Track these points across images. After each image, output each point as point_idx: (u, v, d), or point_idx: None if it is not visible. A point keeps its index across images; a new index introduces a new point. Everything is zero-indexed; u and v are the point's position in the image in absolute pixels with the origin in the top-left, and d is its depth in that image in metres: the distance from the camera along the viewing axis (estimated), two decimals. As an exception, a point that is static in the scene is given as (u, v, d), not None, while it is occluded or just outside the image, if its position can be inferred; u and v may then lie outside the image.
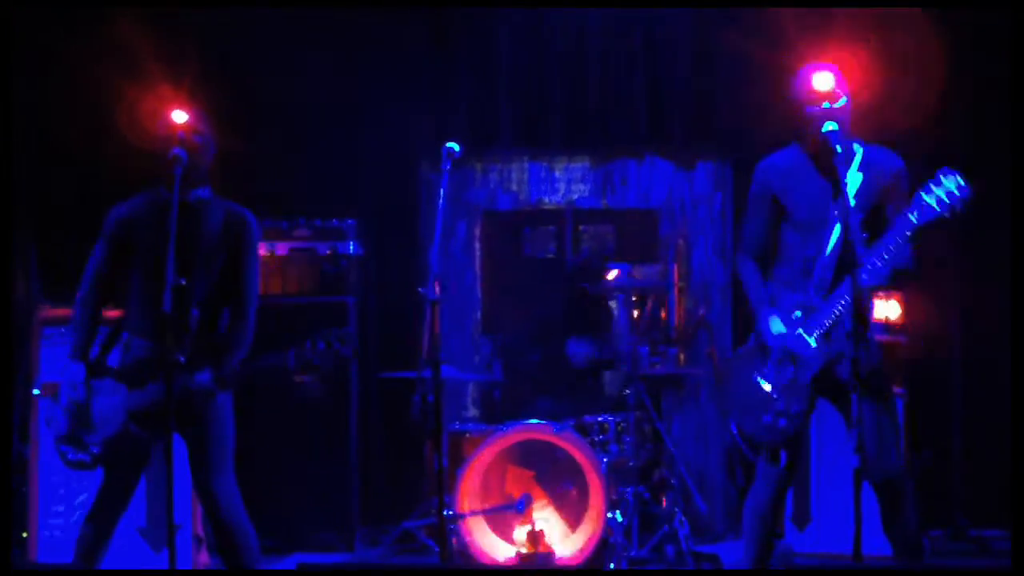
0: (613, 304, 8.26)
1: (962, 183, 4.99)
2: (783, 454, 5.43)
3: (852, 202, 5.07)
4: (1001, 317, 7.63)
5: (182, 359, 5.19)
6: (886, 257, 5.07)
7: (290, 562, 7.38)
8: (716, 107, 8.49)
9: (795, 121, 5.37)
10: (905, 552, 5.26)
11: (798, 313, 5.30)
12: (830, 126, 5.16)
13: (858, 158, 5.32)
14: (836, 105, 5.23)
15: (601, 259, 8.18)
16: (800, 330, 5.27)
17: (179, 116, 5.37)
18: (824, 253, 5.29)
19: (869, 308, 5.14)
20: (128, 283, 5.48)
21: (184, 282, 5.17)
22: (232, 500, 5.49)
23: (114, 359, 5.48)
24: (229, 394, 5.48)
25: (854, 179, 5.25)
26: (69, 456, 5.39)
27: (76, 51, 7.88)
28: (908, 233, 5.04)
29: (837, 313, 5.18)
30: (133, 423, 5.32)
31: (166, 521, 5.07)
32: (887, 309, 7.45)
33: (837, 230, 5.26)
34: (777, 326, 5.32)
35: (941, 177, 5.01)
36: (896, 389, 7.04)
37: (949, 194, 4.98)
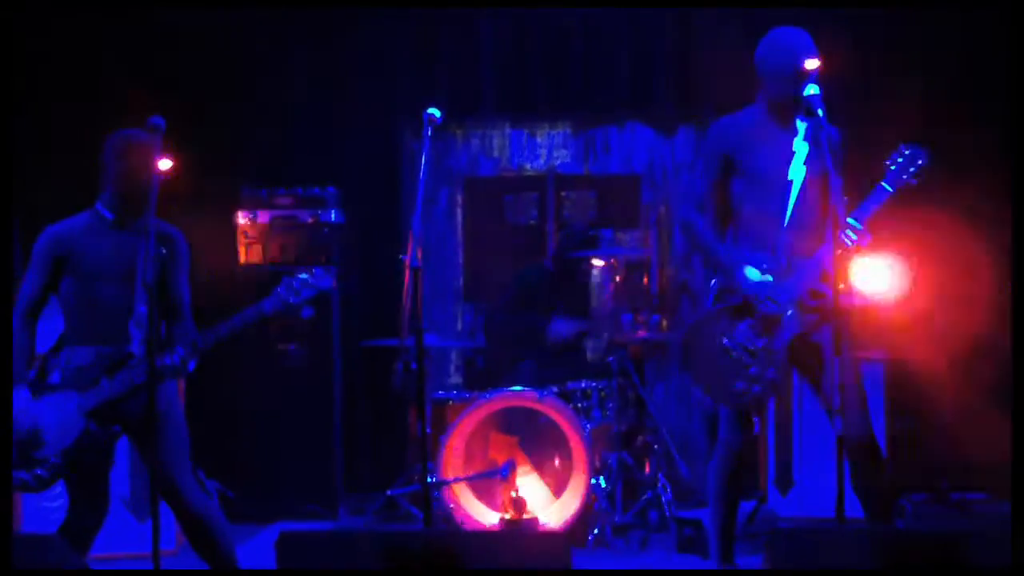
0: (596, 272, 8.25)
1: (923, 154, 5.24)
2: (756, 421, 5.44)
3: (804, 169, 5.29)
4: (985, 281, 7.66)
5: (138, 352, 5.30)
6: (859, 226, 5.15)
7: (273, 531, 7.39)
8: (698, 73, 8.47)
9: (761, 80, 5.41)
10: (875, 515, 5.29)
11: (769, 277, 5.30)
12: (812, 89, 5.16)
13: (803, 129, 5.36)
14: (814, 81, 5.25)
15: (589, 233, 8.14)
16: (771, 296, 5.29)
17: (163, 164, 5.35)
18: (786, 211, 5.32)
19: (842, 273, 5.17)
20: (63, 300, 5.51)
21: (164, 252, 5.21)
22: (196, 492, 5.47)
23: (54, 375, 5.48)
24: (176, 391, 5.52)
25: (802, 148, 5.35)
26: (22, 475, 5.36)
27: (67, 38, 7.86)
28: (882, 201, 5.21)
29: (811, 277, 5.21)
30: (93, 422, 5.33)
31: (149, 492, 5.07)
32: (869, 273, 7.46)
33: (795, 192, 5.33)
34: (753, 274, 5.30)
35: (904, 149, 5.25)
36: (877, 353, 7.10)
37: (914, 165, 5.22)
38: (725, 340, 5.33)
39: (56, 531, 5.51)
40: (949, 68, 7.92)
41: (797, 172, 5.32)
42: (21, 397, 5.34)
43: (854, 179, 5.38)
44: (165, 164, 5.17)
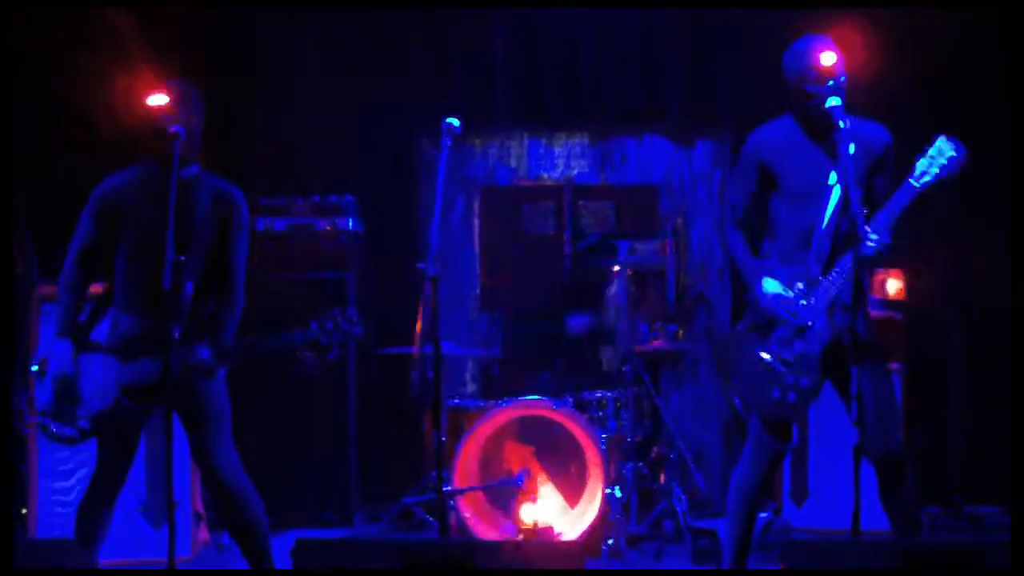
0: (613, 281, 8.25)
1: (958, 145, 5.05)
2: (795, 430, 5.42)
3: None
4: (999, 293, 7.63)
5: (177, 335, 5.20)
6: (888, 225, 5.07)
7: (288, 539, 7.39)
8: (715, 84, 8.47)
9: (791, 93, 5.34)
10: (903, 527, 5.27)
11: (801, 285, 5.27)
12: (833, 101, 5.14)
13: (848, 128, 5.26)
14: (838, 82, 5.22)
15: (603, 241, 8.14)
16: (804, 302, 5.26)
17: (169, 93, 5.32)
18: (821, 224, 5.26)
19: (866, 282, 5.12)
20: (115, 259, 5.43)
21: (183, 259, 5.14)
22: (234, 471, 5.46)
23: (100, 334, 5.45)
24: (221, 380, 5.47)
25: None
26: (53, 429, 5.33)
27: (69, 35, 7.86)
28: (911, 199, 5.06)
29: (840, 285, 5.17)
30: (126, 398, 5.30)
31: (166, 498, 5.07)
32: (885, 285, 7.45)
33: (834, 200, 5.25)
34: (771, 286, 5.27)
35: (938, 142, 5.07)
36: (893, 365, 7.05)
37: (947, 157, 5.03)
38: (760, 351, 5.32)
39: (83, 496, 5.51)
40: (950, 68, 7.90)
41: (844, 182, 5.15)
42: (65, 347, 5.32)
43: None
44: (158, 100, 5.14)
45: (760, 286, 5.31)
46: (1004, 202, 7.32)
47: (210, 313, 5.40)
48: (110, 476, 5.47)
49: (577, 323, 7.84)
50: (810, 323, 5.24)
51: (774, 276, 5.32)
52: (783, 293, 5.27)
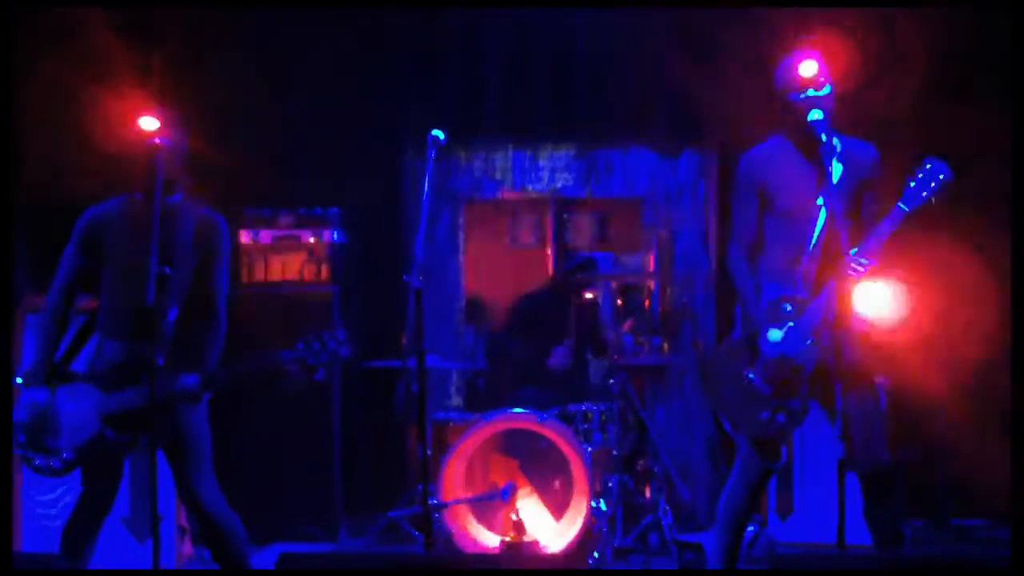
0: (598, 296, 8.26)
1: (945, 169, 5.08)
2: (783, 451, 5.42)
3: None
4: (985, 306, 7.65)
5: (160, 361, 5.18)
6: (876, 248, 5.08)
7: (272, 553, 7.37)
8: (701, 96, 8.47)
9: (779, 110, 5.37)
10: (886, 542, 5.26)
11: (788, 307, 5.26)
12: (816, 114, 5.16)
13: (838, 149, 5.26)
14: (821, 93, 5.23)
15: (586, 258, 8.14)
16: (791, 324, 5.25)
17: (150, 123, 5.31)
18: (809, 243, 5.28)
19: (852, 298, 5.12)
20: (99, 286, 5.41)
21: (169, 271, 5.12)
22: (215, 498, 5.46)
23: (81, 363, 5.43)
24: (203, 407, 5.47)
25: (835, 170, 5.22)
26: (37, 462, 5.33)
27: (54, 55, 7.84)
28: (899, 221, 5.08)
29: (827, 307, 5.16)
30: (108, 428, 5.27)
31: (150, 512, 5.05)
32: (871, 298, 7.45)
33: (821, 220, 5.26)
34: (775, 335, 5.27)
35: (926, 165, 5.10)
36: (880, 379, 7.05)
37: (935, 181, 5.07)
38: (748, 371, 5.31)
39: (68, 518, 5.47)
40: (950, 76, 7.91)
41: (827, 196, 5.19)
42: (39, 392, 5.28)
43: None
44: (150, 123, 5.12)
45: (766, 336, 5.29)
46: (987, 214, 7.34)
47: (193, 339, 5.36)
48: (95, 504, 5.45)
49: (559, 357, 7.83)
50: (798, 350, 5.21)
51: (763, 292, 5.31)
52: (785, 346, 5.24)
